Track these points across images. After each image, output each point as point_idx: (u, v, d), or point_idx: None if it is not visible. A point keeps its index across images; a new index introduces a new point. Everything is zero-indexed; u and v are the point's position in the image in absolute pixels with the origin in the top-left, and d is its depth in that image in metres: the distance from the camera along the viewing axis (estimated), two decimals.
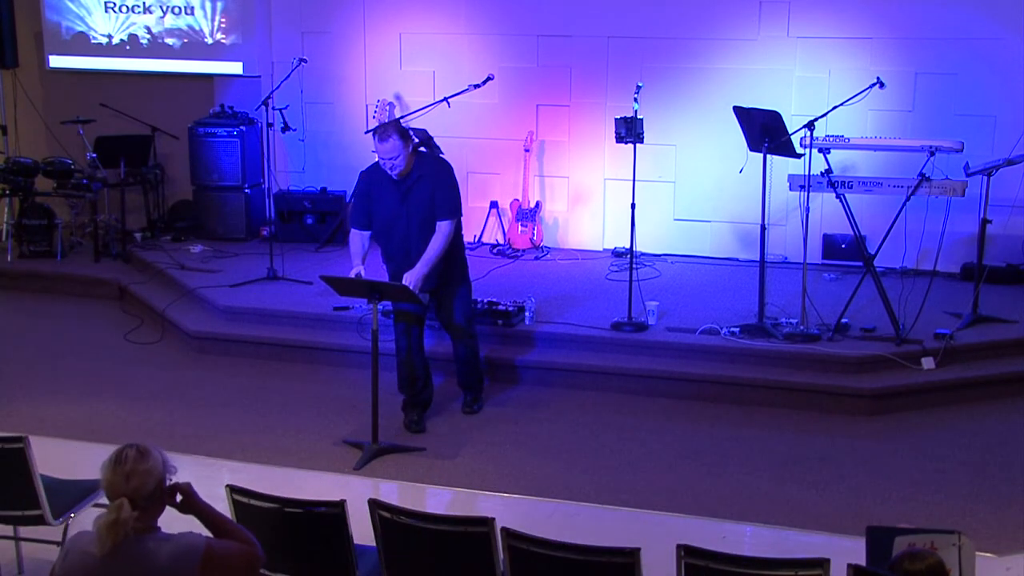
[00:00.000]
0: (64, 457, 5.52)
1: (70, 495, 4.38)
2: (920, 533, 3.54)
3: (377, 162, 6.04)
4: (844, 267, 8.45)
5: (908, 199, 7.00)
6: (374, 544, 3.79)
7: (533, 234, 9.18)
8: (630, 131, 7.03)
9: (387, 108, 9.37)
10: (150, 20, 9.95)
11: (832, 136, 7.50)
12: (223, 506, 3.91)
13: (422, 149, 6.18)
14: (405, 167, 5.83)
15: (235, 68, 9.84)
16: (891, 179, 7.41)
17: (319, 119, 9.83)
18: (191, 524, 3.23)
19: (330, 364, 7.17)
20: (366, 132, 9.13)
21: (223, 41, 9.83)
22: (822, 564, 3.29)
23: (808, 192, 6.89)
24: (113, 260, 9.22)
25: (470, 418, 6.33)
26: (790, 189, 7.45)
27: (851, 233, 7.15)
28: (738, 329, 6.92)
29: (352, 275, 5.83)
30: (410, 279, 5.78)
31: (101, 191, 9.25)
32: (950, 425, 6.22)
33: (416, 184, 5.89)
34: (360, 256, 5.98)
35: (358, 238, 6.01)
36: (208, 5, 9.80)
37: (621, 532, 4.89)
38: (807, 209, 6.85)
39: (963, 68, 8.32)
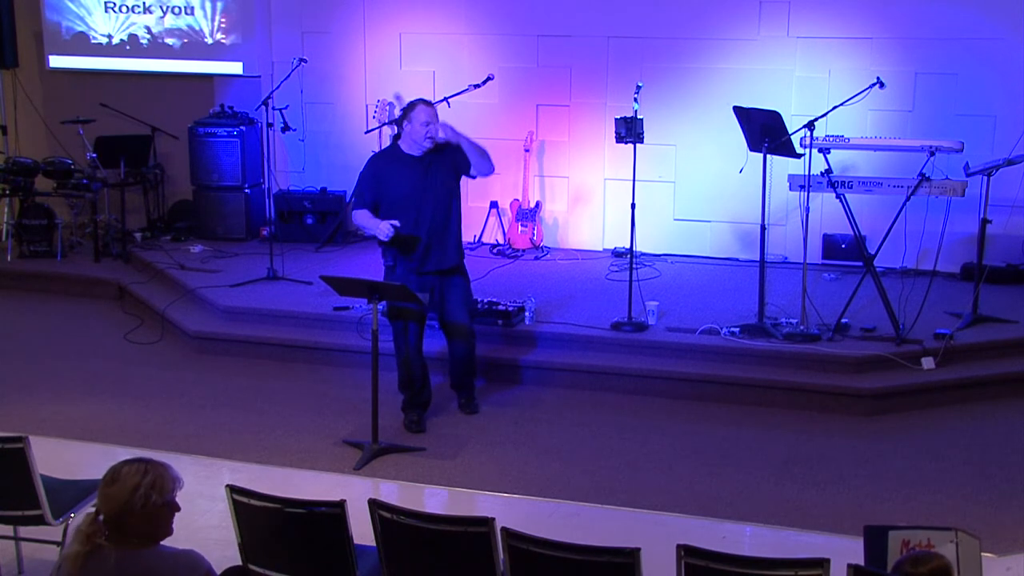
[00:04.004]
0: (64, 457, 5.53)
1: (70, 495, 4.38)
2: (916, 529, 3.55)
3: (390, 147, 6.10)
4: (844, 267, 8.45)
5: (908, 199, 7.00)
6: (374, 544, 3.79)
7: (533, 234, 9.18)
8: (630, 131, 7.03)
9: (387, 108, 9.37)
10: (150, 20, 9.96)
11: (832, 136, 7.50)
12: (223, 506, 3.91)
13: None
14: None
15: (235, 68, 9.84)
16: (891, 179, 7.41)
17: (319, 119, 9.84)
18: (192, 537, 3.23)
19: (330, 364, 7.17)
20: (366, 132, 9.15)
21: (223, 41, 9.83)
22: (822, 564, 3.28)
23: (808, 192, 6.89)
24: (113, 260, 9.22)
25: (470, 418, 6.33)
26: (790, 189, 7.45)
27: (851, 233, 7.15)
28: (738, 329, 6.92)
29: (388, 226, 5.80)
30: (448, 132, 5.94)
31: (101, 191, 9.25)
32: (950, 425, 6.22)
33: (436, 157, 6.00)
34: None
35: (367, 212, 5.99)
36: (208, 5, 9.80)
37: (621, 532, 4.89)
38: (807, 209, 6.86)
39: (963, 68, 8.33)
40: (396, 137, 6.11)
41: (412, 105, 6.00)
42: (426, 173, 5.97)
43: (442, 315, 6.21)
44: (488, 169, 6.16)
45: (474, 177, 6.23)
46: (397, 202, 5.94)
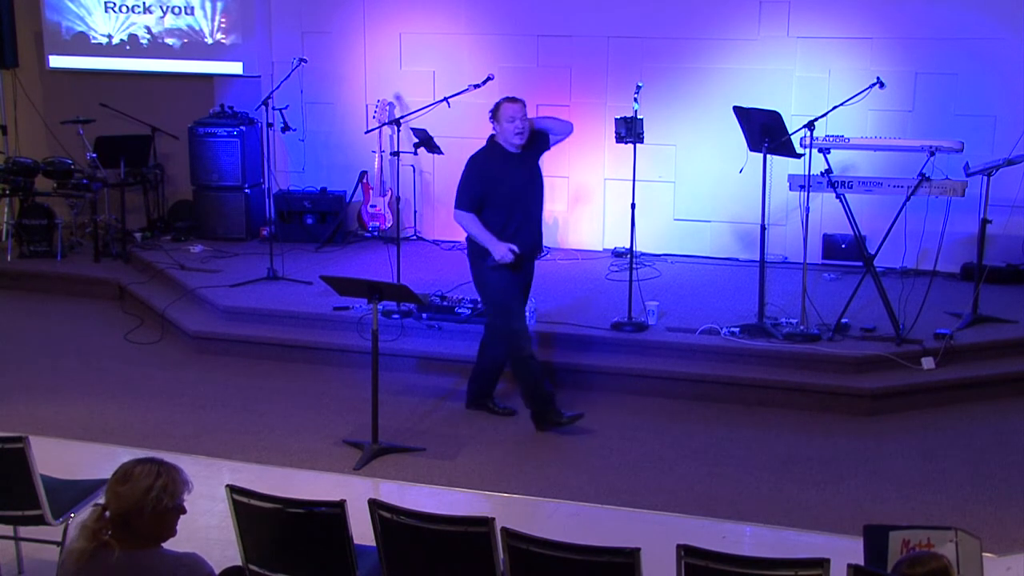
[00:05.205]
0: (64, 457, 5.53)
1: (70, 495, 4.38)
2: (915, 529, 3.55)
3: (489, 147, 6.07)
4: (844, 267, 8.46)
5: (908, 199, 7.00)
6: (374, 544, 3.79)
7: None
8: (630, 131, 7.03)
9: (387, 108, 9.38)
10: (150, 20, 9.95)
11: (832, 136, 7.50)
12: (223, 506, 3.91)
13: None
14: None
15: (235, 68, 9.84)
16: (891, 179, 7.41)
17: (319, 119, 9.84)
18: (192, 537, 3.22)
19: (330, 364, 7.17)
20: (366, 132, 9.15)
21: (223, 41, 9.83)
22: (822, 564, 3.28)
23: (808, 192, 6.89)
24: (113, 260, 9.22)
25: (470, 418, 6.31)
26: (790, 189, 7.45)
27: (851, 233, 7.15)
28: (738, 329, 6.92)
29: (507, 251, 5.87)
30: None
31: (101, 191, 9.25)
32: (950, 425, 6.22)
33: (527, 152, 6.07)
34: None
35: (478, 220, 5.99)
36: (208, 5, 9.80)
37: (621, 532, 4.89)
38: (807, 209, 6.86)
39: (963, 68, 8.33)
40: (491, 138, 6.09)
41: (498, 106, 6.03)
42: (526, 168, 6.05)
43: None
44: (567, 128, 6.25)
45: (551, 146, 6.25)
46: (505, 201, 5.95)
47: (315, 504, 3.75)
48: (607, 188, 9.24)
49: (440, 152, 8.33)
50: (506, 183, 5.97)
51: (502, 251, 5.90)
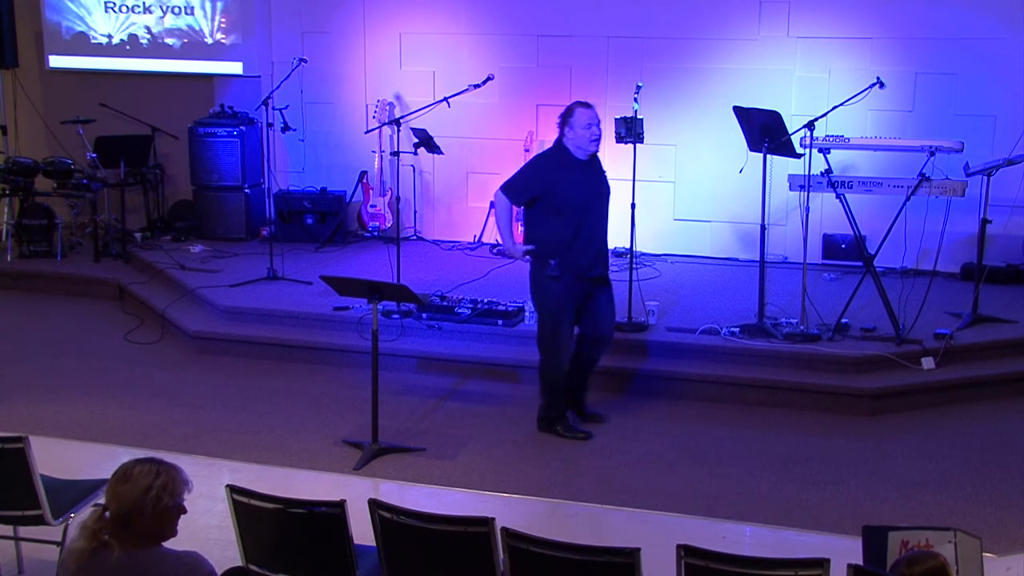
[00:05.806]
0: (64, 457, 5.53)
1: (70, 495, 4.38)
2: (915, 530, 3.55)
3: (556, 150, 5.82)
4: (844, 267, 8.46)
5: (908, 199, 7.00)
6: (374, 544, 3.79)
7: None
8: (630, 131, 7.04)
9: (387, 108, 9.38)
10: (150, 20, 9.96)
11: (832, 136, 7.50)
12: (223, 506, 3.91)
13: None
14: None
15: (235, 68, 9.85)
16: (891, 179, 7.41)
17: (319, 119, 9.84)
18: (193, 537, 3.22)
19: (330, 364, 7.17)
20: (366, 132, 9.15)
21: (223, 41, 9.83)
22: (822, 564, 3.29)
23: (808, 192, 6.89)
24: (113, 260, 9.22)
25: (470, 418, 6.31)
26: (790, 189, 7.45)
27: (851, 233, 7.15)
28: (738, 329, 6.92)
29: (522, 255, 5.83)
30: None
31: (101, 191, 9.25)
32: (950, 425, 6.22)
33: (595, 163, 5.90)
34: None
35: (512, 213, 5.92)
36: (208, 5, 9.80)
37: (621, 532, 4.89)
38: (807, 209, 6.86)
39: (963, 68, 8.33)
40: (557, 140, 5.81)
41: (569, 110, 5.74)
42: (595, 177, 5.86)
43: (592, 323, 6.01)
44: None
45: None
46: (567, 206, 5.70)
47: (315, 504, 3.75)
48: None
49: (440, 152, 8.33)
50: (572, 190, 5.71)
51: (517, 254, 5.85)
